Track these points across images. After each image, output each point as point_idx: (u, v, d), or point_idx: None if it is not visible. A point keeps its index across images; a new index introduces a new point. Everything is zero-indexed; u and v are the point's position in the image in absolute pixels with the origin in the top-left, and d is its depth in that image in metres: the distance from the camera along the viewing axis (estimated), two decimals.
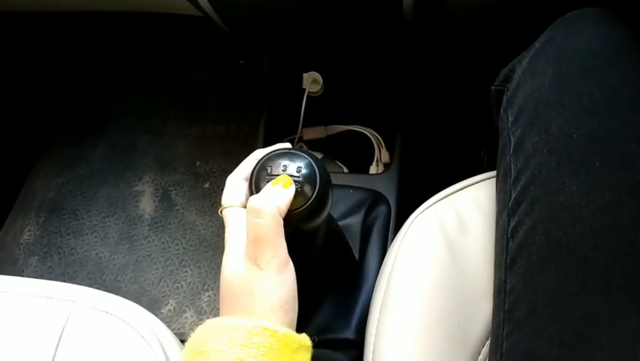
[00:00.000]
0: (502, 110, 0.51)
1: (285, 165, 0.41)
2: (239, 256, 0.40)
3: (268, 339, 0.36)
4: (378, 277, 0.57)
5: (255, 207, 0.39)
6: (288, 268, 0.39)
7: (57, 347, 0.54)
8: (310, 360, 0.40)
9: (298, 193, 0.40)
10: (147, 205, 1.12)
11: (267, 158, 0.42)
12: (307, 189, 0.41)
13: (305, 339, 0.40)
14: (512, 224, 0.46)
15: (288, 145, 0.44)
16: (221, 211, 0.43)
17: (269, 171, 0.41)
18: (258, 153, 0.45)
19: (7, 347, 0.55)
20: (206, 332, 0.38)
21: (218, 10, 0.70)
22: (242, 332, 0.36)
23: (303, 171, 0.41)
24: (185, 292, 1.02)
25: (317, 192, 0.41)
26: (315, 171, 0.41)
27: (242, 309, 0.38)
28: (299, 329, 0.40)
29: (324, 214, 0.43)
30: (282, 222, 0.39)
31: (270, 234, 0.38)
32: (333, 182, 0.44)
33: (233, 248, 0.40)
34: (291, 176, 0.41)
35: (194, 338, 0.39)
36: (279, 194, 0.40)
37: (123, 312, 0.57)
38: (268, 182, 0.41)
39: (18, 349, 0.55)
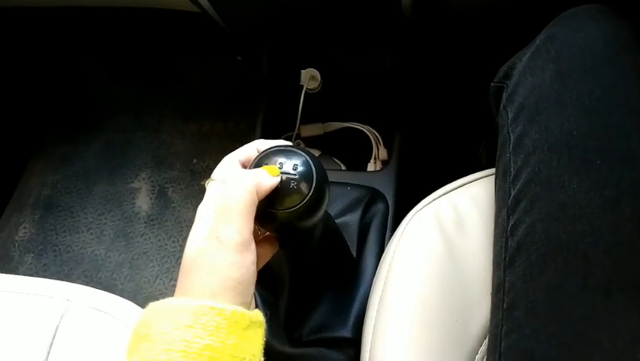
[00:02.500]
0: (501, 107, 0.51)
1: (281, 163, 0.41)
2: (204, 230, 0.38)
3: (215, 318, 0.35)
4: (376, 275, 0.56)
5: (234, 177, 0.38)
6: (248, 250, 0.37)
7: (51, 345, 0.54)
8: (264, 335, 0.38)
9: (294, 191, 0.40)
10: (143, 202, 1.12)
11: (264, 155, 0.42)
12: (304, 186, 0.40)
13: (257, 315, 0.38)
14: (512, 222, 0.45)
15: (287, 142, 0.44)
16: (207, 183, 0.42)
17: None
18: (259, 143, 0.44)
19: (1, 345, 0.54)
20: (149, 315, 0.36)
21: (215, 6, 0.70)
22: (186, 313, 0.35)
23: (300, 168, 0.40)
24: None
25: (313, 190, 0.40)
26: (311, 169, 0.41)
27: (194, 284, 0.37)
28: (296, 327, 0.40)
29: (321, 212, 0.43)
30: (256, 201, 0.38)
31: (239, 207, 0.37)
32: (331, 179, 0.44)
33: (201, 222, 0.39)
34: (287, 173, 0.40)
35: (138, 322, 0.37)
36: (263, 176, 0.39)
37: (118, 310, 0.57)
38: None
39: (12, 347, 0.54)
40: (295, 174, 0.40)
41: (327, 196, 0.43)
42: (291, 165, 0.41)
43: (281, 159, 0.41)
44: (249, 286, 0.37)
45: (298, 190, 0.40)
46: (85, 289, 0.59)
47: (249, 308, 0.38)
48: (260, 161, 0.41)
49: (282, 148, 0.42)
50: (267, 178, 0.39)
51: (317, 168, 0.41)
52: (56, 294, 0.58)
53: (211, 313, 0.35)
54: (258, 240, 0.45)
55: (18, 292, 0.58)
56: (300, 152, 0.42)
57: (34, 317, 0.56)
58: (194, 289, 0.36)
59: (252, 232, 0.38)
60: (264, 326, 0.39)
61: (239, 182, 0.38)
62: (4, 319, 0.56)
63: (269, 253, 0.45)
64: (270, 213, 0.40)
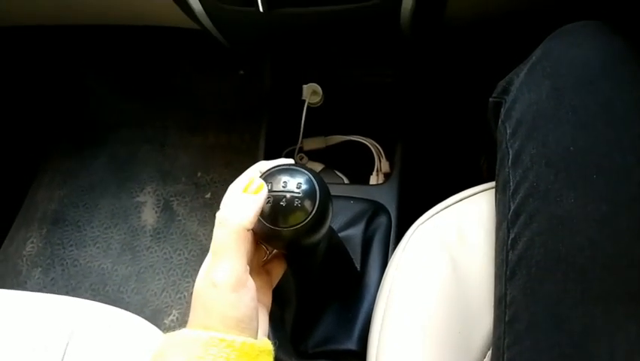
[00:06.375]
0: (500, 122, 0.52)
1: (285, 182, 0.41)
2: (204, 270, 0.39)
3: (224, 350, 0.36)
4: (380, 289, 0.57)
5: (220, 217, 0.38)
6: (245, 287, 0.38)
7: None
8: None
9: (299, 209, 0.41)
10: (149, 216, 1.13)
11: (268, 174, 0.42)
12: (307, 204, 0.41)
13: (266, 344, 0.39)
14: (512, 236, 0.46)
15: (289, 161, 0.45)
16: (217, 215, 0.43)
17: (269, 188, 0.41)
18: (261, 165, 0.45)
19: None
20: (164, 345, 0.38)
21: (218, 27, 0.71)
22: (197, 344, 0.36)
23: (303, 186, 0.41)
24: (188, 302, 1.02)
25: (317, 207, 0.41)
26: (314, 187, 0.41)
27: (200, 320, 0.38)
28: (302, 340, 0.40)
29: (325, 229, 0.43)
30: (247, 237, 0.38)
31: (230, 247, 0.37)
32: (333, 193, 0.45)
33: (207, 259, 0.40)
34: (291, 192, 0.41)
35: (154, 352, 0.38)
36: (248, 204, 0.39)
37: (126, 325, 0.58)
38: (269, 199, 0.41)
39: None
40: (299, 192, 0.41)
41: (330, 212, 0.44)
42: (295, 183, 0.41)
43: (285, 178, 0.42)
44: (250, 321, 0.38)
45: (302, 208, 0.41)
46: (92, 304, 0.60)
47: (255, 338, 0.39)
48: (265, 180, 0.42)
49: (285, 167, 0.43)
50: (253, 203, 0.39)
51: (320, 186, 0.42)
52: (65, 310, 0.59)
53: (221, 345, 0.36)
54: (268, 259, 0.46)
55: (28, 309, 0.59)
56: (303, 170, 0.42)
57: (45, 334, 0.57)
58: (201, 324, 0.37)
59: (247, 268, 0.38)
60: (272, 353, 0.40)
61: (226, 221, 0.38)
62: (15, 337, 0.57)
63: (280, 270, 0.46)
64: (275, 231, 0.41)
